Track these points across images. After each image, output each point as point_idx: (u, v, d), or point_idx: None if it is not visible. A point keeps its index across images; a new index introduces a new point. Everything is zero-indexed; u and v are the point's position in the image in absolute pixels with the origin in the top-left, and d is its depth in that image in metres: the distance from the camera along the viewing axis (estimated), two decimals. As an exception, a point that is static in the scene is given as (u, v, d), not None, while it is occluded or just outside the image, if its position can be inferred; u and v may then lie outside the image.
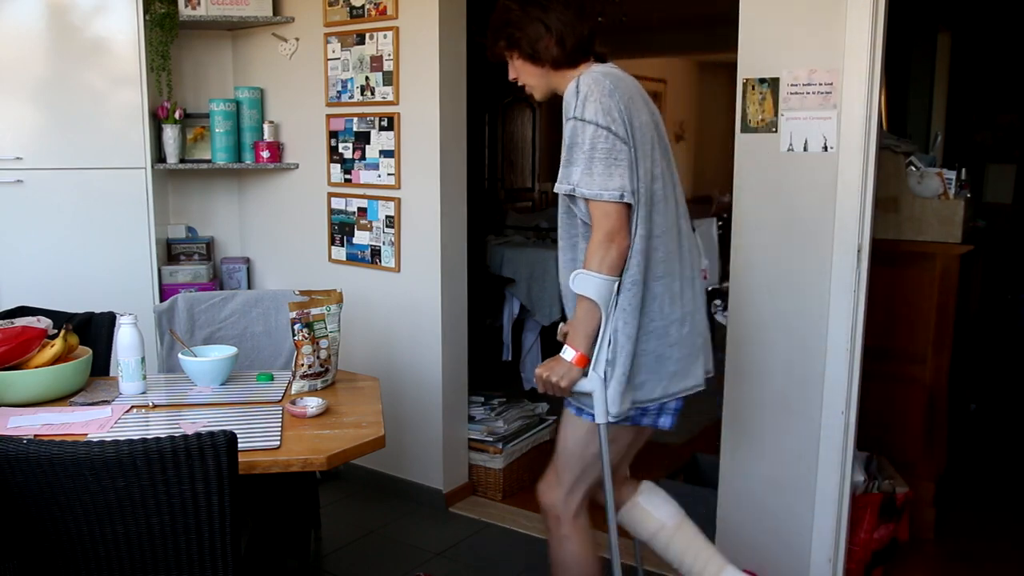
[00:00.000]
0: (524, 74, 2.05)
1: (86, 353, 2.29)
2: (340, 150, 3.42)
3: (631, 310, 1.92)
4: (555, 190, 1.95)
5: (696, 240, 2.15)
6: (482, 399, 3.57)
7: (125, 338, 2.20)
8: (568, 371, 1.91)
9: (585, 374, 1.93)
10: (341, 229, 3.47)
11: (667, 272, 1.98)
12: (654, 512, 2.23)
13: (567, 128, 1.91)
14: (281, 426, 1.98)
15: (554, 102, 2.07)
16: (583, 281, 1.88)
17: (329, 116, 3.43)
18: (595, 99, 1.88)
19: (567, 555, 2.13)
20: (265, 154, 3.56)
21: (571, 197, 1.94)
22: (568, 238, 2.01)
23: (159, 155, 3.49)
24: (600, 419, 1.95)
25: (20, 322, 2.26)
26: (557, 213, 2.04)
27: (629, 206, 1.88)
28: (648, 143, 1.95)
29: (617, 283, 1.90)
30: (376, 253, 3.37)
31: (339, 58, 3.35)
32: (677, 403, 2.07)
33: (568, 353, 1.92)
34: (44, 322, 2.29)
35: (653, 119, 2.02)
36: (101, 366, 2.51)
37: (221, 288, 3.69)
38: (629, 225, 1.89)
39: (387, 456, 3.39)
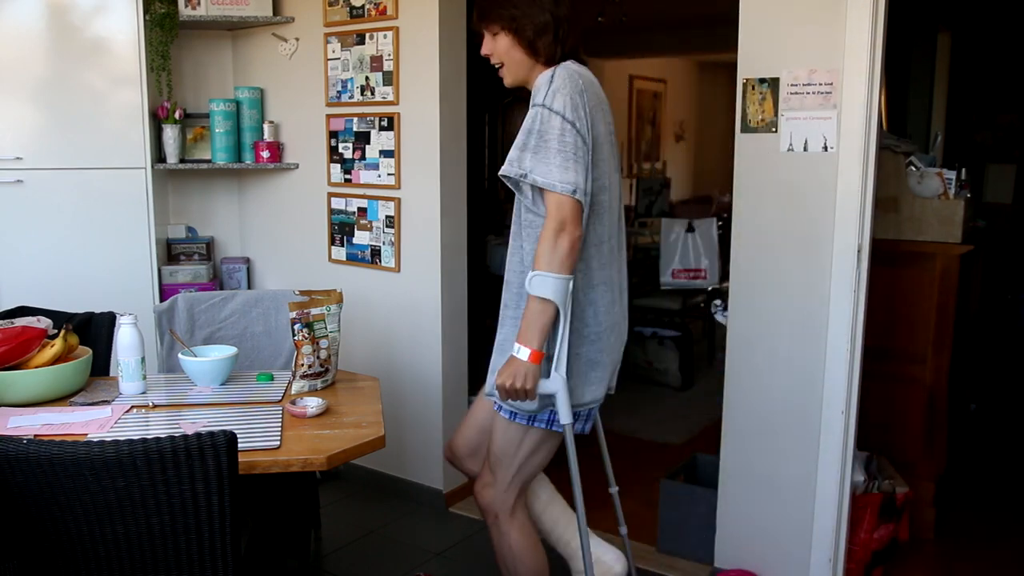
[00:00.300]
0: (507, 57, 2.01)
1: (86, 353, 2.29)
2: (340, 150, 3.42)
3: (571, 314, 1.93)
4: (503, 172, 1.89)
5: (623, 257, 2.15)
6: (482, 399, 3.57)
7: (125, 338, 2.20)
8: (528, 370, 1.85)
9: (545, 373, 1.91)
10: (341, 229, 3.47)
11: (605, 280, 2.00)
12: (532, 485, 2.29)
13: (530, 113, 1.89)
14: (281, 426, 1.98)
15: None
16: (540, 283, 1.82)
17: (329, 116, 3.43)
18: (567, 93, 1.86)
19: (508, 550, 2.16)
20: (265, 154, 3.56)
21: (516, 184, 1.91)
22: (517, 224, 2.00)
23: (159, 155, 3.49)
24: (565, 419, 1.94)
25: (20, 322, 2.26)
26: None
27: (580, 203, 1.85)
28: (603, 153, 1.96)
29: (572, 281, 1.87)
30: (376, 253, 3.37)
31: (339, 58, 3.35)
32: (594, 410, 2.08)
33: (522, 352, 1.85)
34: (44, 322, 2.29)
35: (610, 131, 2.03)
36: (101, 366, 2.51)
37: (221, 288, 3.69)
38: (581, 221, 1.86)
39: (387, 456, 3.39)
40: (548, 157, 1.83)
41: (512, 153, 1.88)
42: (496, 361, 2.04)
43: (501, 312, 2.05)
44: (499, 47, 2.01)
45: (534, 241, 1.92)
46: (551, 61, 1.98)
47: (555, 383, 1.91)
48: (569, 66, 1.94)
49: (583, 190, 1.84)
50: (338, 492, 3.48)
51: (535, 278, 1.83)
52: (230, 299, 2.89)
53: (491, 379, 2.06)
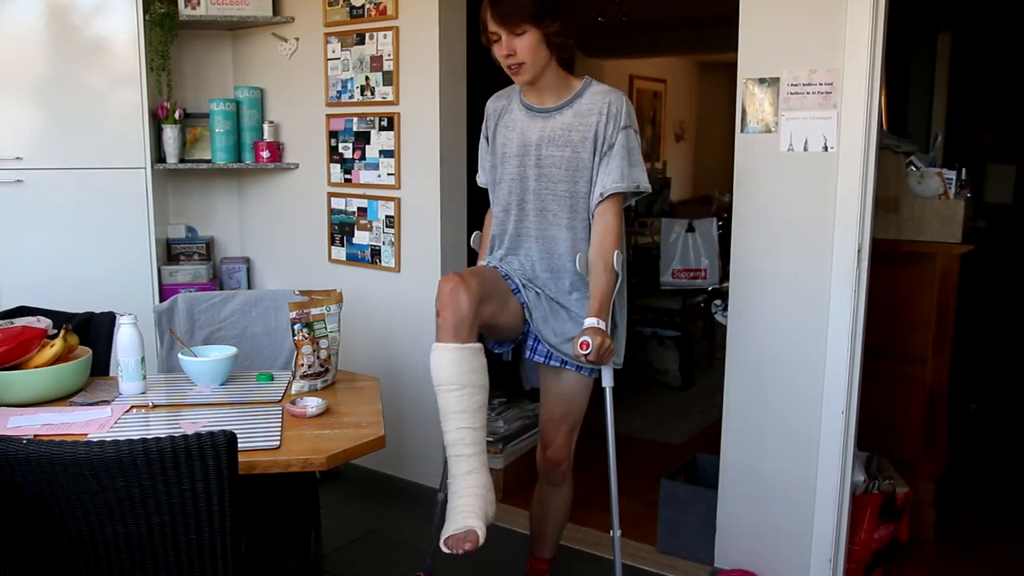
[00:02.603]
0: (531, 56, 2.12)
1: (86, 353, 2.29)
2: (340, 150, 3.42)
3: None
4: (619, 188, 2.17)
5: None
6: (482, 399, 3.56)
7: (125, 338, 2.20)
8: (608, 337, 2.12)
9: None
10: (341, 229, 3.47)
11: None
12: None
13: (622, 135, 2.17)
14: (281, 426, 1.98)
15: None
16: (621, 259, 2.20)
17: (329, 116, 3.43)
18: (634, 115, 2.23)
19: (568, 497, 2.49)
20: (265, 154, 3.56)
21: (580, 189, 2.21)
22: (571, 219, 2.23)
23: (159, 155, 3.49)
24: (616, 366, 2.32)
25: (20, 322, 2.26)
26: (547, 197, 2.23)
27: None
28: None
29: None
30: (376, 253, 3.37)
31: (339, 58, 3.35)
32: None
33: (602, 324, 2.12)
34: (44, 322, 2.29)
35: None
36: (101, 366, 2.51)
37: (221, 288, 3.69)
38: None
39: (387, 456, 3.39)
40: (643, 169, 2.23)
41: (625, 171, 2.18)
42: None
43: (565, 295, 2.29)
44: (523, 45, 2.11)
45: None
46: (564, 62, 2.21)
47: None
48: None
49: None
50: (338, 492, 3.48)
51: (618, 254, 2.18)
52: (230, 299, 2.89)
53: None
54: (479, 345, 2.14)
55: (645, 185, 2.22)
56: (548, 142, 2.21)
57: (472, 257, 2.64)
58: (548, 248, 2.26)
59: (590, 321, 2.12)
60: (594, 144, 2.18)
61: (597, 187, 2.19)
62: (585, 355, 2.05)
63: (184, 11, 3.41)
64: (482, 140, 2.42)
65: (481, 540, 1.97)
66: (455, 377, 2.08)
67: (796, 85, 2.46)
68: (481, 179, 2.46)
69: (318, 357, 2.28)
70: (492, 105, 2.37)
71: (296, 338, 2.26)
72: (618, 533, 2.30)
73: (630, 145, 2.18)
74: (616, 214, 2.21)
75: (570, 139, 2.19)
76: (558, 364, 2.29)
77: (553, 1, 2.11)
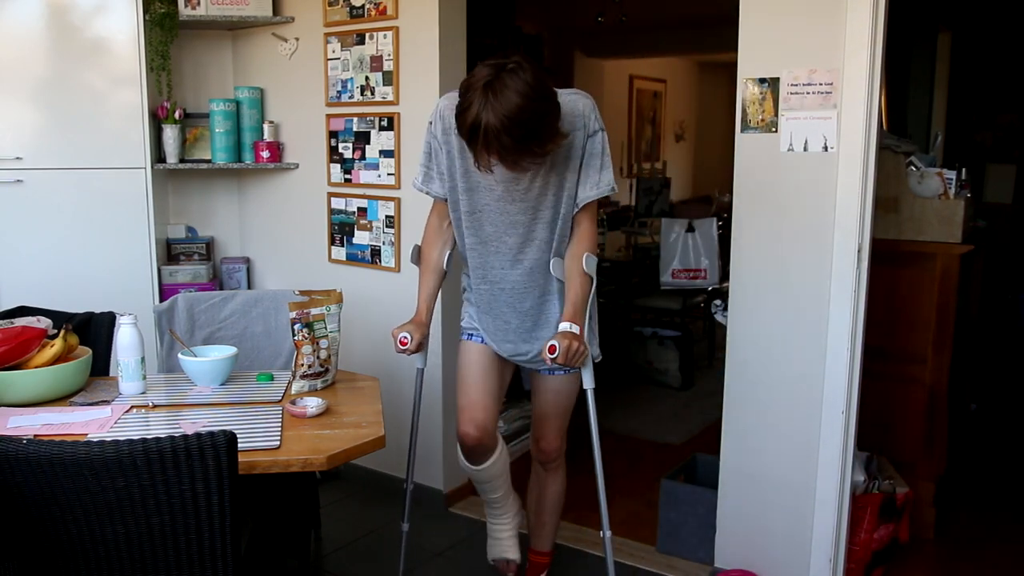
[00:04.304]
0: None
1: (86, 353, 2.29)
2: (340, 150, 3.42)
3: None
4: (591, 197, 2.16)
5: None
6: (482, 399, 3.56)
7: (125, 338, 2.20)
8: (583, 341, 2.13)
9: None
10: (341, 229, 3.47)
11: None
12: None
13: (590, 142, 2.13)
14: (281, 426, 1.98)
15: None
16: (592, 263, 2.19)
17: (329, 116, 3.43)
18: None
19: (563, 485, 2.59)
20: (265, 154, 3.56)
21: (565, 211, 2.18)
22: (559, 242, 2.22)
23: (159, 155, 3.49)
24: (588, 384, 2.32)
25: (20, 322, 2.26)
26: (537, 227, 2.19)
27: None
28: None
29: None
30: (376, 253, 3.37)
31: (339, 58, 3.35)
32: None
33: (575, 328, 2.12)
34: (44, 322, 2.29)
35: None
36: (101, 366, 2.51)
37: (221, 288, 3.69)
38: None
39: (387, 456, 3.38)
40: (610, 169, 2.19)
41: (600, 175, 2.16)
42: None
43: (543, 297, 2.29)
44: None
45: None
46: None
47: (592, 349, 2.32)
48: (577, 89, 2.17)
49: None
50: (338, 492, 3.48)
51: (591, 258, 2.18)
52: (230, 299, 2.89)
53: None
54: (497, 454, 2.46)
55: (613, 187, 2.18)
56: (529, 175, 2.12)
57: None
58: (532, 278, 2.25)
59: (563, 326, 2.13)
60: (578, 161, 2.13)
61: (577, 197, 2.17)
62: (552, 359, 2.07)
63: (184, 11, 3.41)
64: (430, 144, 2.22)
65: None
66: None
67: (796, 85, 2.46)
68: (437, 190, 2.25)
69: (318, 357, 2.28)
70: (447, 114, 2.10)
71: (296, 338, 2.26)
72: (608, 534, 2.33)
73: (600, 149, 2.14)
74: (592, 220, 2.23)
75: (552, 163, 2.11)
76: (546, 372, 2.40)
77: (547, 118, 1.93)
